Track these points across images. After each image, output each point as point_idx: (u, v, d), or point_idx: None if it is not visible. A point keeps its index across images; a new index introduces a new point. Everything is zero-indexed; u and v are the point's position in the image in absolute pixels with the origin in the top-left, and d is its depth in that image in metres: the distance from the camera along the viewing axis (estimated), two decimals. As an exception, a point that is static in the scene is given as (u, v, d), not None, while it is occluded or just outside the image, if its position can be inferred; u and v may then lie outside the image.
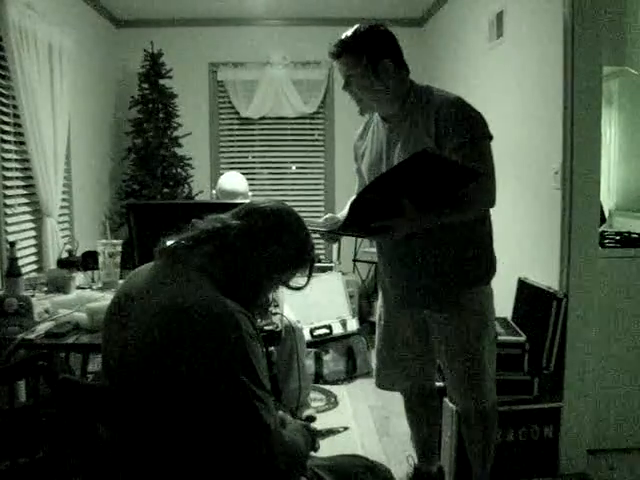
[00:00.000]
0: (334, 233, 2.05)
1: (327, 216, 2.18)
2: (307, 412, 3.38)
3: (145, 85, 4.91)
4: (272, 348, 2.99)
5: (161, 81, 4.91)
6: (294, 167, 5.58)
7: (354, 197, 1.91)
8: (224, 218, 1.44)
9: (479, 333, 2.11)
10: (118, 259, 2.75)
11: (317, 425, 3.32)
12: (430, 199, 1.88)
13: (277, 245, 1.42)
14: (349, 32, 2.03)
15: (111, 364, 1.35)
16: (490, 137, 2.00)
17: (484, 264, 2.14)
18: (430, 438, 2.50)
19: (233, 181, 3.47)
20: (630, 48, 2.99)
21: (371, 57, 2.00)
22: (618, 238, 2.94)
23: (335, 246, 5.04)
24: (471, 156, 1.91)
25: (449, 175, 1.82)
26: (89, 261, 2.93)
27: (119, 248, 2.75)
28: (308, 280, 1.56)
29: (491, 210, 2.10)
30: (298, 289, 1.56)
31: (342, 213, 2.22)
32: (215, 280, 1.34)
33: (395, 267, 2.19)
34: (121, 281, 2.66)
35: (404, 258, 2.13)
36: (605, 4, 2.66)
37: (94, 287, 2.77)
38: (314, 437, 1.57)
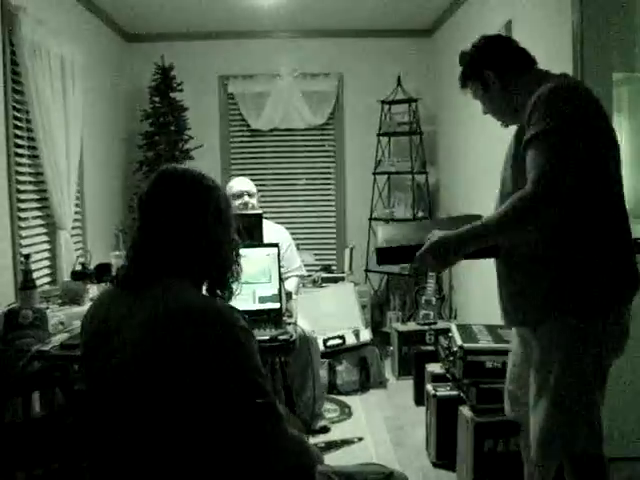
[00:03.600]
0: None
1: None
2: (321, 423, 3.36)
3: (156, 98, 4.94)
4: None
5: (172, 94, 4.94)
6: (304, 180, 5.60)
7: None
8: (148, 225, 1.41)
9: (562, 367, 1.74)
10: (131, 271, 2.75)
11: (331, 436, 3.31)
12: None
13: (206, 211, 1.41)
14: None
15: (104, 386, 1.35)
16: (575, 132, 1.62)
17: (606, 288, 1.83)
18: None
19: (240, 182, 3.54)
20: (640, 54, 2.99)
21: (475, 74, 1.93)
22: (632, 245, 2.92)
23: (347, 257, 5.04)
24: (534, 154, 1.63)
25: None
26: (102, 273, 2.94)
27: (132, 260, 2.76)
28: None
29: None
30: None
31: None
32: (191, 277, 1.39)
33: (498, 279, 1.97)
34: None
35: (500, 270, 1.94)
36: (614, 10, 2.66)
37: (108, 299, 2.78)
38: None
